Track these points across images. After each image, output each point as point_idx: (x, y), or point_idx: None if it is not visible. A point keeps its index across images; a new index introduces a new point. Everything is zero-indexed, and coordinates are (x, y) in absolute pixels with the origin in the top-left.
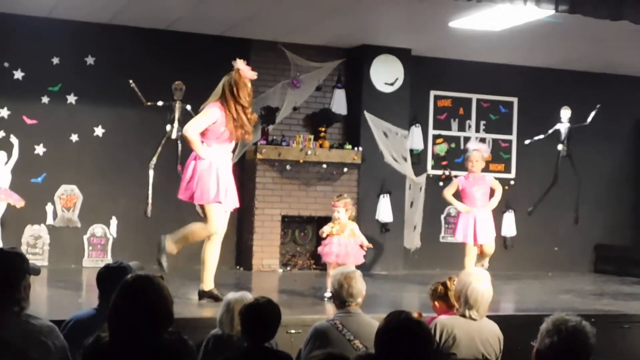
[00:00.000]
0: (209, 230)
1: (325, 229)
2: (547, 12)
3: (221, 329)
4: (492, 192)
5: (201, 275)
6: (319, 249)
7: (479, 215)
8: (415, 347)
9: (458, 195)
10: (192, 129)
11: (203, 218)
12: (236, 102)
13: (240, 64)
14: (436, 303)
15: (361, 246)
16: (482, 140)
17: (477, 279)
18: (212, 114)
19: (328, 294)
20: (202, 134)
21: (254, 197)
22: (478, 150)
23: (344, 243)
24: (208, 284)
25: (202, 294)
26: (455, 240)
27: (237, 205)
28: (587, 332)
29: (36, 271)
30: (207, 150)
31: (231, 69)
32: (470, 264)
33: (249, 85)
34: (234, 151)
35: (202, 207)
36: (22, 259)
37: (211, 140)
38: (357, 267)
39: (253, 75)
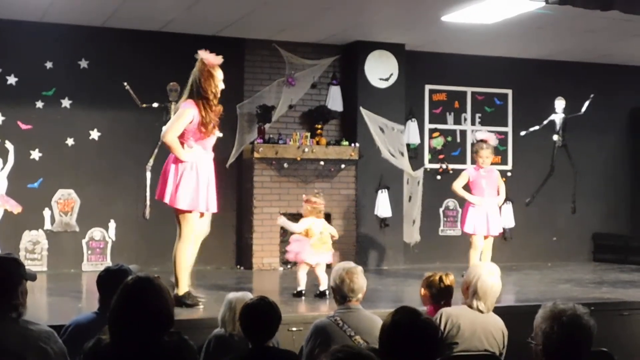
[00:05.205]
0: (182, 238)
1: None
2: (538, 4)
3: (223, 327)
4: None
5: (174, 279)
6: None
7: (489, 207)
8: (423, 345)
9: (466, 187)
10: (170, 134)
11: (175, 221)
12: (202, 96)
13: (202, 53)
14: (423, 290)
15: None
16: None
17: (488, 272)
18: (187, 114)
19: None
20: (181, 135)
21: (252, 196)
22: (487, 142)
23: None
24: (182, 288)
25: (178, 300)
26: (454, 234)
27: (215, 210)
28: (582, 314)
29: (32, 277)
30: (189, 153)
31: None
32: (475, 256)
33: (217, 73)
34: (215, 148)
35: (176, 210)
36: (18, 264)
37: (190, 140)
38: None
39: (218, 59)
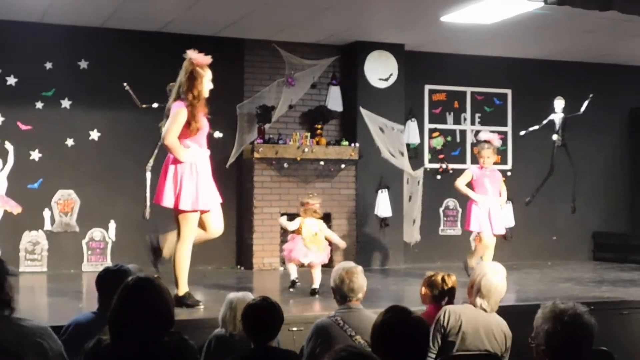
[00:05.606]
0: (182, 238)
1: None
2: (536, 4)
3: (224, 327)
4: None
5: (174, 280)
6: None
7: (492, 206)
8: (413, 343)
9: (469, 185)
10: (170, 136)
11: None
12: (187, 95)
13: (191, 53)
14: (423, 289)
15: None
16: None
17: (493, 271)
18: (181, 113)
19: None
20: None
21: (252, 196)
22: (489, 142)
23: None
24: (182, 289)
25: (178, 301)
26: (454, 233)
27: (220, 200)
28: (583, 312)
29: (13, 273)
30: (187, 153)
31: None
32: (490, 255)
33: (204, 72)
34: (207, 145)
35: (175, 211)
36: None
37: (186, 139)
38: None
39: (206, 59)
